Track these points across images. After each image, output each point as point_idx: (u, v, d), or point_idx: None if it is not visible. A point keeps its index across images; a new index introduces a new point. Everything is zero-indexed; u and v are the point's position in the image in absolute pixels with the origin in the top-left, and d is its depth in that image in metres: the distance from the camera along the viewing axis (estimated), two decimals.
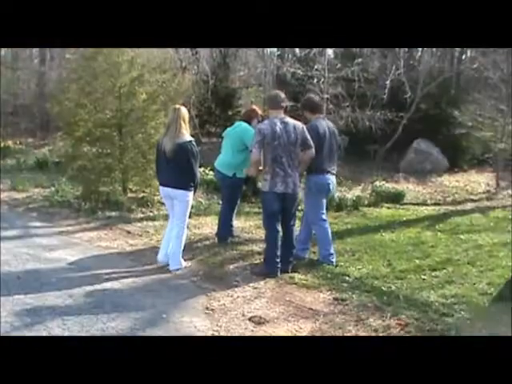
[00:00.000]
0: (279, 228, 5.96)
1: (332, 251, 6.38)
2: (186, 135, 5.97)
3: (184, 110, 6.06)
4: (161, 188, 6.19)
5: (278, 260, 5.91)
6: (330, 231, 6.46)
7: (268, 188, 5.86)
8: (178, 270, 6.07)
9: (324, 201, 6.42)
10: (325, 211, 6.44)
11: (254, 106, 7.70)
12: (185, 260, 6.27)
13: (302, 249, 6.53)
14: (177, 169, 5.90)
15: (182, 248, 6.19)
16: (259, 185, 7.33)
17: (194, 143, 5.99)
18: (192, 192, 6.06)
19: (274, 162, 5.79)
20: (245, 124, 7.07)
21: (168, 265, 6.11)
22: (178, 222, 6.08)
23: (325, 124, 6.38)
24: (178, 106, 6.23)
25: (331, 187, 6.39)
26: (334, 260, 6.34)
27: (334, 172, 6.45)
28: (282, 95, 6.08)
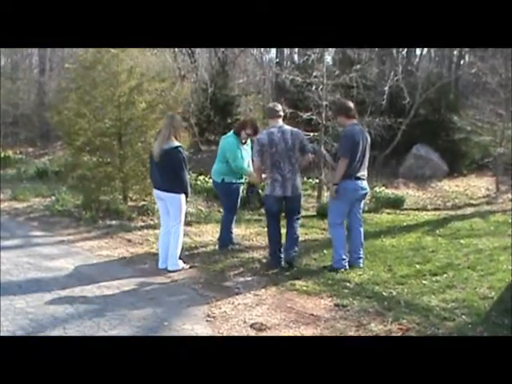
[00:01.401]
0: (279, 226, 6.44)
1: (345, 256, 6.34)
2: (174, 142, 6.13)
3: (177, 118, 6.34)
4: (154, 190, 6.46)
5: (281, 254, 6.39)
6: (354, 235, 6.48)
7: (269, 192, 6.28)
8: (176, 270, 6.25)
9: (347, 206, 6.33)
10: (344, 218, 6.41)
11: (247, 119, 7.67)
12: (186, 267, 6.35)
13: (357, 257, 6.51)
14: (165, 173, 6.14)
15: (180, 249, 6.37)
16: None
17: (180, 149, 6.14)
18: (182, 195, 6.21)
19: (274, 168, 6.17)
20: (229, 138, 7.14)
21: (167, 268, 6.33)
22: (174, 223, 6.28)
23: (359, 130, 6.35)
24: (171, 113, 6.47)
25: (360, 192, 6.34)
26: (346, 264, 6.32)
27: (365, 177, 6.41)
28: (279, 106, 6.54)
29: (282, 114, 6.41)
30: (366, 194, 6.54)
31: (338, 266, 6.29)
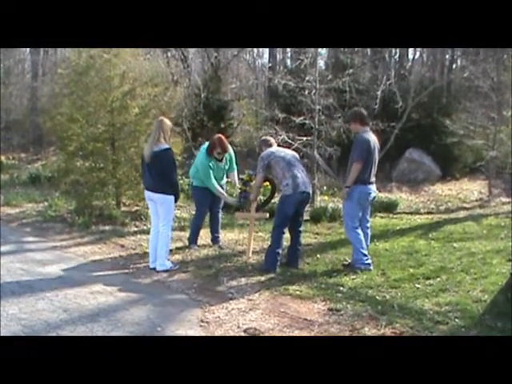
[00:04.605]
0: (286, 231, 6.53)
1: (367, 256, 6.47)
2: (164, 144, 6.29)
3: (165, 121, 6.46)
4: (145, 191, 6.60)
5: (279, 258, 6.42)
6: (363, 237, 6.53)
7: (290, 191, 6.32)
8: (164, 270, 6.40)
9: (360, 210, 6.49)
10: (358, 220, 6.52)
11: (214, 140, 7.28)
12: (174, 267, 6.50)
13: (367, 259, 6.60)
14: (155, 174, 6.30)
15: (168, 250, 6.57)
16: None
17: (169, 151, 6.31)
18: (172, 196, 6.36)
19: (290, 168, 6.40)
20: (202, 156, 7.25)
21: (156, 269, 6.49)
22: (162, 224, 6.44)
23: (372, 136, 6.58)
24: (160, 117, 6.66)
25: (371, 196, 6.55)
26: (370, 263, 6.45)
27: (374, 181, 6.61)
28: (271, 139, 7.16)
29: (274, 142, 7.06)
30: (375, 197, 6.78)
31: (359, 266, 6.40)
